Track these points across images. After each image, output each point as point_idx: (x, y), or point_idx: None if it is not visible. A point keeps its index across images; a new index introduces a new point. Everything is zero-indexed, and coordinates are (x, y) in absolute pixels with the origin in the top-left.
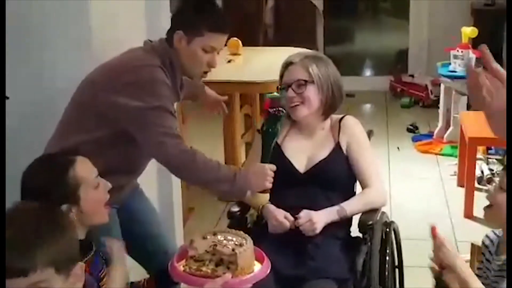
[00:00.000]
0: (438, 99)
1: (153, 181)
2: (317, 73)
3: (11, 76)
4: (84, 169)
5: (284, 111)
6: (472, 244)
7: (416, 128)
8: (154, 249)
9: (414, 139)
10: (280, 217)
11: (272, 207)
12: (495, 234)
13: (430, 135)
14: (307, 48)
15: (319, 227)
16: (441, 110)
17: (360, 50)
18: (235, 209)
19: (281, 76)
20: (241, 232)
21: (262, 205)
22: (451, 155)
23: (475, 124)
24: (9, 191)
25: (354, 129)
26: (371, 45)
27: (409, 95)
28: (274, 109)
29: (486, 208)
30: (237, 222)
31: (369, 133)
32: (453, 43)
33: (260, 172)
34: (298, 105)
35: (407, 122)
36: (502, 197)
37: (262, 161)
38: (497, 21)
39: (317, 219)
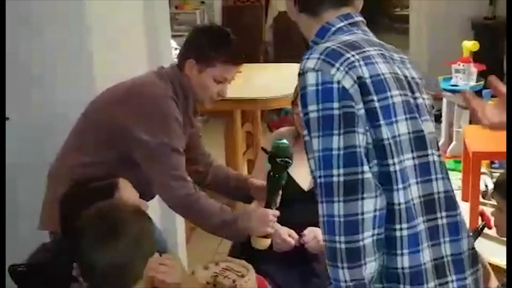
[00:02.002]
0: (440, 114)
1: (154, 200)
2: None
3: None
4: (128, 190)
5: (291, 162)
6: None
7: None
8: None
9: None
10: (285, 235)
11: (276, 225)
12: None
13: None
14: None
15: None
16: (443, 125)
17: None
18: None
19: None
20: (244, 262)
21: (262, 248)
22: (454, 170)
23: (479, 138)
24: (9, 214)
25: None
26: None
27: None
28: (281, 159)
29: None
30: (241, 242)
31: None
32: (455, 57)
33: (263, 217)
34: None
35: None
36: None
37: (266, 206)
38: (497, 34)
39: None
